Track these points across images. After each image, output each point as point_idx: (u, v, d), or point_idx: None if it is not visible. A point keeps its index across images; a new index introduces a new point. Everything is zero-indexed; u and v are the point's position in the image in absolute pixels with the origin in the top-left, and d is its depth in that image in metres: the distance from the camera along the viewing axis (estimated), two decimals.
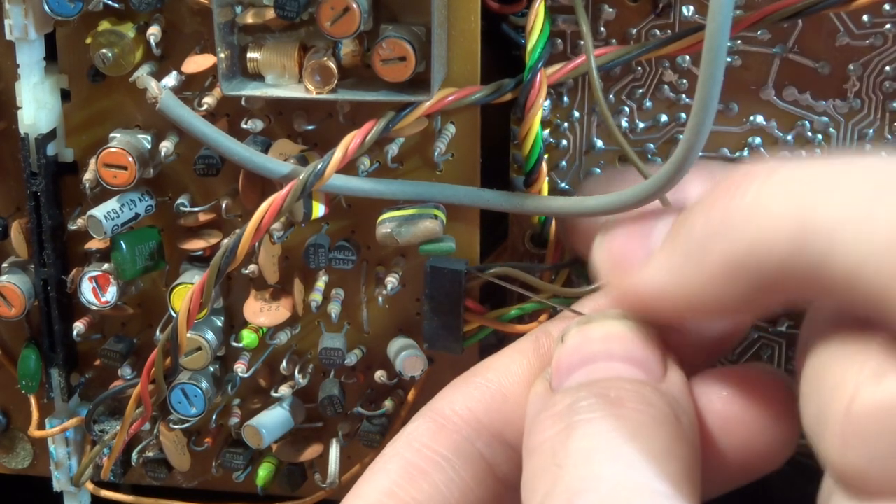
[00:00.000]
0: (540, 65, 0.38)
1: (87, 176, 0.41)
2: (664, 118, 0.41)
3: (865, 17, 0.39)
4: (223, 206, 0.42)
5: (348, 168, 0.38)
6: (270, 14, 0.37)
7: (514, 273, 0.40)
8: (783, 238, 0.24)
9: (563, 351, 0.30)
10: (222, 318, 0.44)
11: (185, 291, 0.41)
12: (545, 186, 0.40)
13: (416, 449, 0.31)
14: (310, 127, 0.41)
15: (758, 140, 0.41)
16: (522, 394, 0.32)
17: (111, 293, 0.42)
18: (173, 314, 0.42)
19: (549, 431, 0.27)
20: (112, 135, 0.41)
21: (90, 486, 0.48)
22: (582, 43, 0.39)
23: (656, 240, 0.30)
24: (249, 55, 0.39)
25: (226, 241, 0.40)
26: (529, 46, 0.38)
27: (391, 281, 0.42)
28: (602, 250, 0.31)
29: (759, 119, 0.41)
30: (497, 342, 0.45)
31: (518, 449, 0.30)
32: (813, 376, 0.26)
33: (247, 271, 0.42)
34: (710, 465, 0.29)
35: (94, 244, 0.43)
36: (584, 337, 0.30)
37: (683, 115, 0.41)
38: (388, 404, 0.44)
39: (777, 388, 0.29)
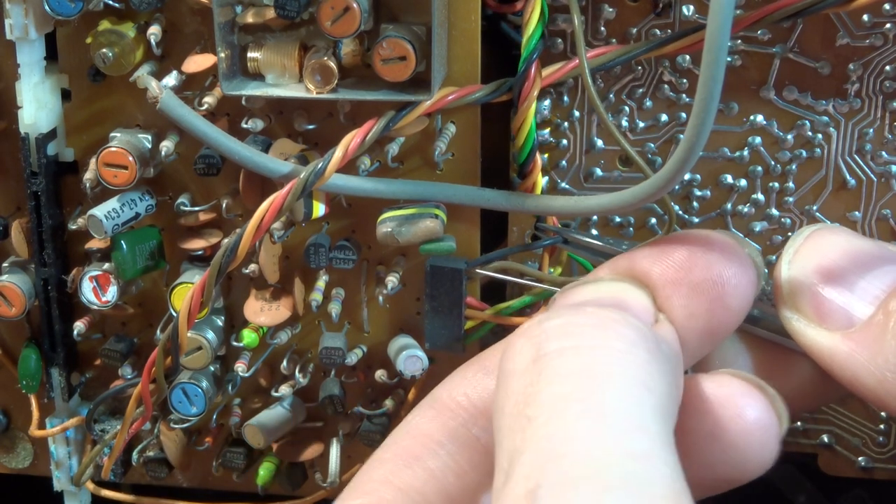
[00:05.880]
0: (534, 56, 0.38)
1: (88, 175, 0.41)
2: (664, 118, 0.41)
3: (865, 17, 0.39)
4: (223, 205, 0.42)
5: (349, 167, 0.38)
6: (271, 13, 0.38)
7: (513, 266, 0.40)
8: None
9: (553, 305, 0.30)
10: (223, 318, 0.44)
11: (186, 291, 0.41)
12: (539, 179, 0.40)
13: (412, 436, 0.31)
14: (310, 126, 0.41)
15: (758, 140, 0.41)
16: None
17: (111, 293, 0.42)
18: (174, 314, 0.42)
19: (521, 361, 0.26)
20: (112, 134, 0.41)
21: (90, 485, 0.48)
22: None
23: (865, 289, 0.30)
24: (250, 55, 0.39)
25: (226, 240, 0.40)
26: (524, 39, 0.38)
27: (391, 280, 0.42)
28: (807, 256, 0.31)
29: (759, 119, 0.41)
30: (497, 342, 0.45)
31: None
32: None
33: (247, 271, 0.42)
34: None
35: (94, 244, 0.43)
36: (574, 293, 0.30)
37: (683, 115, 0.41)
38: (388, 403, 0.44)
39: (753, 398, 0.29)
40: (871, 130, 0.41)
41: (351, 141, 0.37)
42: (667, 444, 0.24)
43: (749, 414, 0.29)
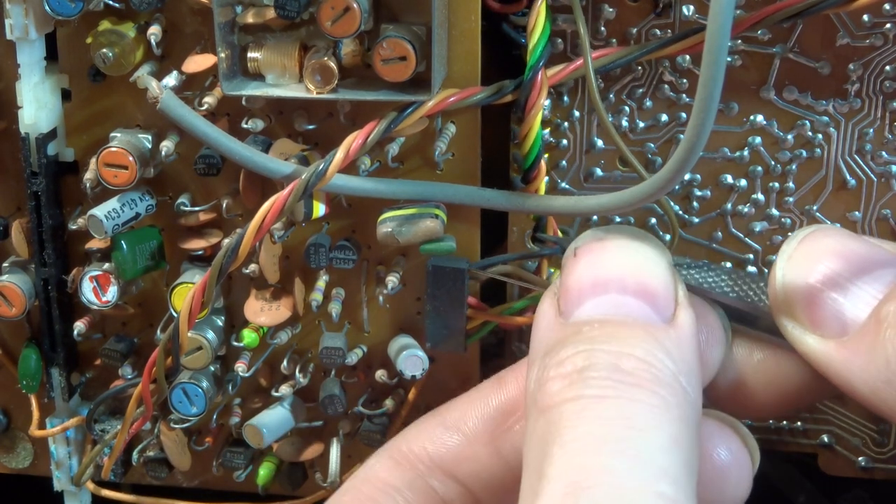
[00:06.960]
0: (541, 64, 0.38)
1: (88, 175, 0.41)
2: (664, 118, 0.41)
3: (865, 17, 0.39)
4: (224, 205, 0.42)
5: (349, 167, 0.38)
6: (271, 14, 0.38)
7: (514, 271, 0.40)
8: None
9: (575, 271, 0.29)
10: (223, 318, 0.44)
11: (186, 291, 0.41)
12: (543, 184, 0.40)
13: (371, 482, 0.32)
14: (310, 126, 0.41)
15: (758, 140, 0.41)
16: (480, 434, 0.32)
17: (112, 293, 0.42)
18: (174, 314, 0.42)
19: (559, 396, 0.27)
20: (112, 134, 0.41)
21: (91, 485, 0.48)
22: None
23: (857, 295, 0.30)
24: (250, 55, 0.39)
25: (227, 240, 0.40)
26: (530, 46, 0.38)
27: (392, 280, 0.42)
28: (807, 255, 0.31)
29: (759, 119, 0.41)
30: (497, 342, 0.45)
31: (470, 487, 0.31)
32: None
33: (247, 271, 0.42)
34: None
35: (94, 244, 0.43)
36: (598, 258, 0.29)
37: (683, 115, 0.41)
38: (388, 403, 0.44)
39: (726, 438, 0.30)
40: (871, 130, 0.41)
41: (352, 142, 0.37)
42: (690, 497, 0.25)
43: (723, 454, 0.30)
